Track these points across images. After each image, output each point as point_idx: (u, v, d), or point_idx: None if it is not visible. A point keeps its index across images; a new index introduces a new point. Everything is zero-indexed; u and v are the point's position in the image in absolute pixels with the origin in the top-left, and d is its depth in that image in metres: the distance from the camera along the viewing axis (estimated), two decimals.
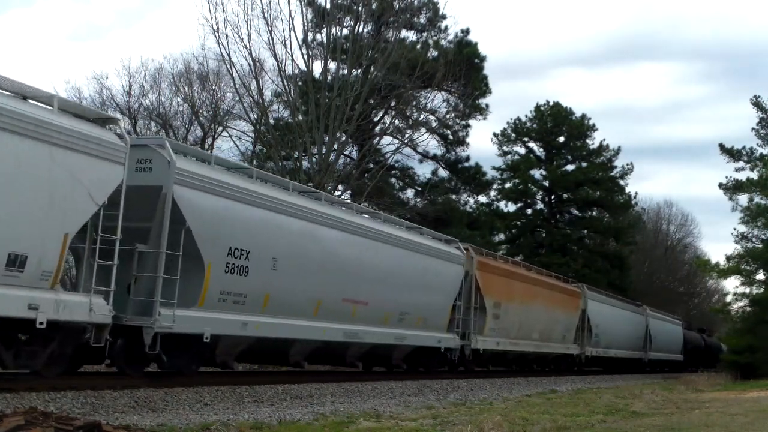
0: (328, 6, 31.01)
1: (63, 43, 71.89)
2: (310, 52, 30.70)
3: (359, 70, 31.52)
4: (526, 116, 52.26)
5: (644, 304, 43.20)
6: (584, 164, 51.91)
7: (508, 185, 50.72)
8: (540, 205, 52.41)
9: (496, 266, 24.16)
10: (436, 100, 36.27)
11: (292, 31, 30.09)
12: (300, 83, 31.74)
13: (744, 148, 36.60)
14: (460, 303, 21.03)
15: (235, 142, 35.72)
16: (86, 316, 10.28)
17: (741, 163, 36.55)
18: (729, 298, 45.01)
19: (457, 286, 20.88)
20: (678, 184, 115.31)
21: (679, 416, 13.98)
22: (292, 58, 33.64)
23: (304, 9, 30.78)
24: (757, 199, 35.13)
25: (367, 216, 18.12)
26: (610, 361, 36.65)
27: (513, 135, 51.98)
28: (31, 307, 9.55)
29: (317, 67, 31.77)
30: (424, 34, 37.04)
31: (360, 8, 31.98)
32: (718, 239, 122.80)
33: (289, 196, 14.54)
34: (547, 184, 51.50)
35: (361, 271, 16.34)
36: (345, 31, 32.77)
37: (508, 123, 52.10)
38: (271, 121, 32.65)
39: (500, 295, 23.58)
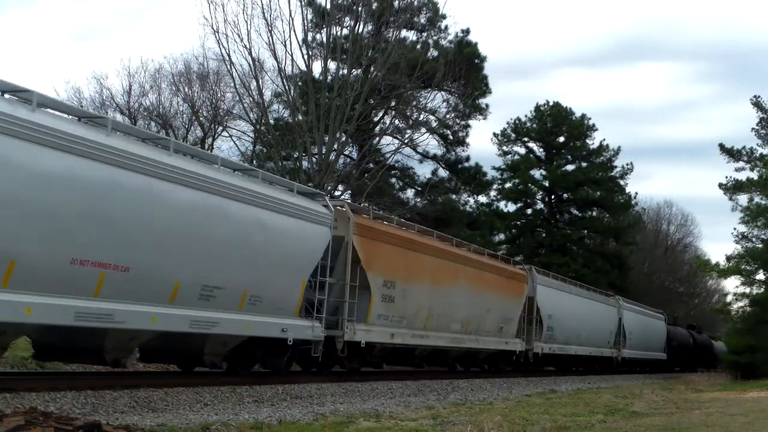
0: (328, 6, 31.02)
1: (63, 43, 71.92)
2: (310, 52, 30.71)
3: (359, 70, 31.52)
4: (526, 116, 52.30)
5: (617, 295, 38.59)
6: (584, 164, 51.91)
7: (508, 185, 50.71)
8: (540, 205, 52.42)
9: (386, 232, 17.99)
10: (436, 100, 36.31)
11: (292, 31, 30.11)
12: (300, 83, 31.73)
13: (744, 148, 36.61)
14: (329, 279, 15.56)
15: (235, 142, 35.78)
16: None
17: (741, 163, 36.55)
18: (729, 298, 44.90)
19: (316, 256, 15.11)
20: (678, 184, 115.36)
21: (679, 416, 13.99)
22: (292, 58, 33.67)
23: (304, 9, 30.81)
24: (757, 199, 35.13)
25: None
26: (572, 360, 31.98)
27: (513, 135, 51.98)
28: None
29: (317, 67, 31.80)
30: (424, 34, 37.06)
31: (360, 8, 31.98)
32: (718, 239, 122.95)
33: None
34: (547, 184, 51.50)
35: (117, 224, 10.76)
36: (345, 31, 32.80)
37: (508, 123, 52.14)
38: (271, 121, 32.66)
39: (394, 272, 17.80)
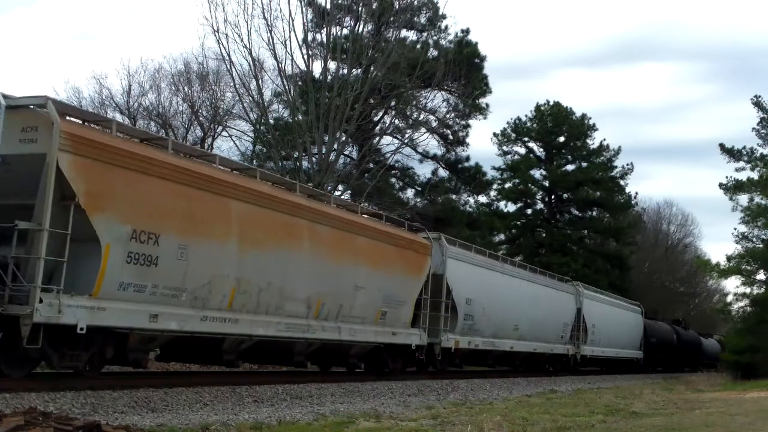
0: (328, 6, 31.00)
1: (63, 43, 71.90)
2: (310, 52, 30.69)
3: (359, 70, 31.50)
4: (526, 116, 52.36)
5: (577, 281, 32.97)
6: (584, 164, 51.95)
7: (508, 185, 50.76)
8: (540, 205, 52.44)
9: (130, 154, 11.22)
10: (436, 99, 36.31)
11: (292, 31, 30.13)
12: (300, 83, 31.71)
13: (744, 148, 36.55)
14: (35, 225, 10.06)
15: (234, 142, 35.75)
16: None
17: (741, 163, 36.50)
18: (729, 298, 44.87)
19: None
20: (678, 184, 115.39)
21: (679, 416, 13.98)
22: (292, 58, 33.66)
23: (304, 9, 30.79)
24: (757, 199, 35.14)
25: None
26: (508, 358, 25.92)
27: (513, 135, 52.01)
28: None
29: (317, 67, 31.79)
30: (424, 34, 37.06)
31: (360, 8, 31.97)
32: (718, 239, 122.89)
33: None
34: (547, 184, 51.51)
35: None
36: (345, 31, 32.78)
37: (508, 123, 52.18)
38: (271, 121, 32.63)
39: (157, 219, 11.59)
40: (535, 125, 51.85)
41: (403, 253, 18.42)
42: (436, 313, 19.84)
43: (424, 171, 53.92)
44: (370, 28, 32.95)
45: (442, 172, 40.02)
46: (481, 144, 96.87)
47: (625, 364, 38.47)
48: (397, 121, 35.16)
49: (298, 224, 14.65)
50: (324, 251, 15.35)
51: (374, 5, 31.99)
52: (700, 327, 59.48)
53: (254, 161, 33.17)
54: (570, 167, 52.15)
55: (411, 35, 36.26)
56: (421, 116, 35.84)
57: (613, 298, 37.82)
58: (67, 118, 10.83)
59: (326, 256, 15.42)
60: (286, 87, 30.47)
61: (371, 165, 33.74)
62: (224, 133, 36.62)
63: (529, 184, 50.61)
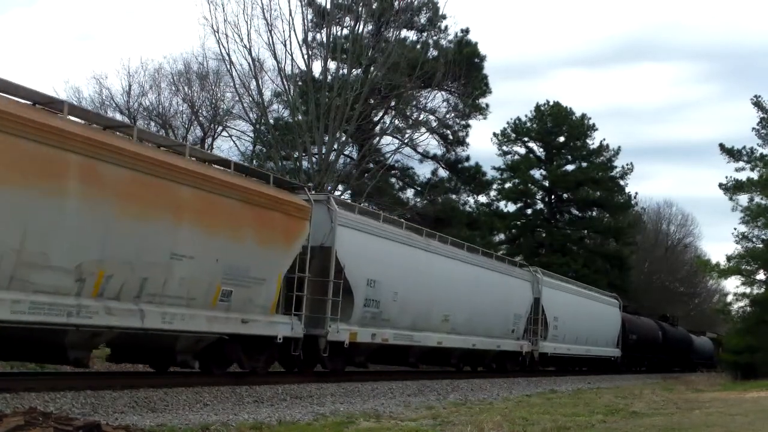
0: (328, 6, 31.00)
1: (63, 43, 71.86)
2: (310, 52, 30.69)
3: (359, 70, 31.49)
4: (526, 116, 52.34)
5: (536, 266, 29.00)
6: (584, 164, 51.95)
7: (508, 185, 50.75)
8: (540, 205, 52.43)
9: None
10: (436, 100, 36.28)
11: (292, 31, 30.15)
12: (300, 83, 31.71)
13: (744, 148, 36.55)
14: None
15: (234, 142, 35.78)
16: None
17: (741, 163, 36.49)
18: (729, 298, 44.83)
19: None
20: (678, 184, 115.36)
21: (679, 416, 13.98)
22: (292, 58, 33.61)
23: (304, 9, 30.79)
24: (757, 199, 35.14)
25: None
26: (434, 354, 20.73)
27: (513, 135, 52.00)
28: None
29: (317, 67, 31.78)
30: (424, 34, 37.03)
31: (360, 8, 31.96)
32: (718, 239, 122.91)
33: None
34: (547, 184, 51.51)
35: None
36: (345, 31, 32.78)
37: (508, 123, 52.16)
38: (271, 121, 32.64)
39: None
40: (535, 125, 51.85)
41: (263, 215, 13.65)
42: (317, 296, 15.47)
43: (424, 171, 53.96)
44: (370, 28, 32.97)
45: (442, 172, 40.03)
46: (481, 144, 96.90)
47: (599, 364, 34.31)
48: (397, 121, 35.17)
49: (63, 159, 10.05)
50: (113, 201, 10.73)
51: (374, 5, 31.99)
52: (700, 326, 58.97)
53: (254, 161, 33.18)
54: (570, 167, 52.16)
55: (411, 35, 36.28)
56: (421, 116, 35.86)
57: (583, 288, 33.35)
58: None
59: (117, 209, 10.79)
60: (286, 87, 30.49)
61: (371, 165, 33.74)
62: (224, 133, 36.69)
63: (529, 184, 50.61)
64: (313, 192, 16.15)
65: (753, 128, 37.20)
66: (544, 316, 26.67)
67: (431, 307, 19.51)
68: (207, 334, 12.75)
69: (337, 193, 30.98)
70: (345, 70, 30.41)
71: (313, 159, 29.77)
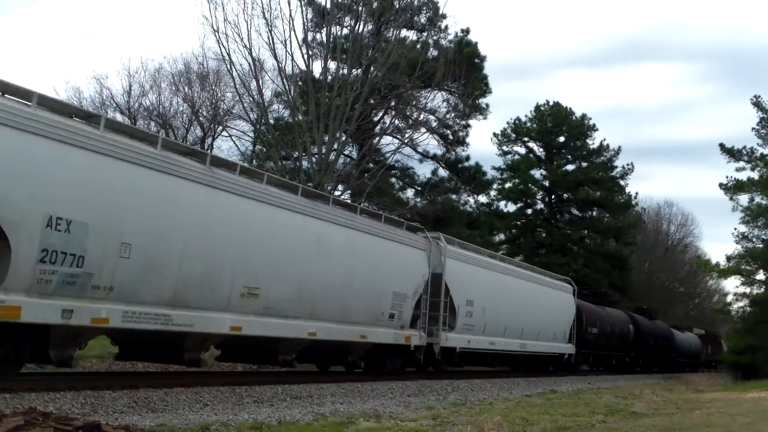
0: (328, 5, 30.99)
1: (64, 44, 71.86)
2: (310, 52, 30.67)
3: (359, 70, 31.48)
4: (526, 116, 52.47)
5: (438, 233, 20.83)
6: (584, 164, 52.00)
7: (508, 185, 50.82)
8: (540, 205, 52.47)
9: None
10: (436, 99, 36.29)
11: (292, 31, 30.02)
12: (300, 83, 31.70)
13: (744, 147, 36.61)
14: None
15: (234, 142, 35.78)
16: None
17: (741, 163, 36.54)
18: (729, 298, 44.83)
19: None
20: (678, 184, 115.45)
21: (679, 416, 13.96)
22: (292, 58, 33.60)
23: (304, 8, 30.76)
24: (757, 199, 35.16)
25: None
26: (263, 347, 14.71)
27: (513, 135, 52.08)
28: None
29: (317, 67, 31.78)
30: (424, 34, 37.05)
31: (360, 8, 31.95)
32: (718, 239, 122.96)
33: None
34: (547, 184, 51.54)
35: None
36: (345, 31, 32.77)
37: (508, 123, 52.25)
38: (271, 121, 32.63)
39: None
40: (535, 125, 51.90)
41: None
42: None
43: (424, 171, 54.05)
44: (370, 27, 32.96)
45: (442, 172, 40.07)
46: (481, 144, 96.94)
47: (545, 363, 28.54)
48: (397, 121, 35.18)
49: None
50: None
51: (374, 5, 31.99)
52: (699, 326, 58.39)
53: (254, 161, 33.18)
54: (570, 167, 52.22)
55: (411, 35, 36.31)
56: (421, 116, 35.86)
57: (516, 265, 27.03)
58: None
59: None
60: (286, 87, 30.46)
61: (371, 165, 33.74)
62: (224, 133, 36.70)
63: (529, 184, 50.66)
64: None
65: (753, 128, 37.26)
66: (450, 298, 19.82)
67: (215, 274, 12.62)
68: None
69: (337, 193, 30.99)
70: (345, 70, 30.40)
71: (313, 159, 29.76)
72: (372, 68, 31.09)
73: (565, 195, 52.05)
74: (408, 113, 35.26)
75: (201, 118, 36.38)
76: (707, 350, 51.96)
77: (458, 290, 20.38)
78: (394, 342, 18.07)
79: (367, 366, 18.23)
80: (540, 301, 26.65)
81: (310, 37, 31.21)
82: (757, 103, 36.74)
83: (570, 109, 52.04)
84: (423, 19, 36.87)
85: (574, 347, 29.58)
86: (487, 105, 38.84)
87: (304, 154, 29.82)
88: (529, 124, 52.02)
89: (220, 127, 36.61)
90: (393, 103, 33.17)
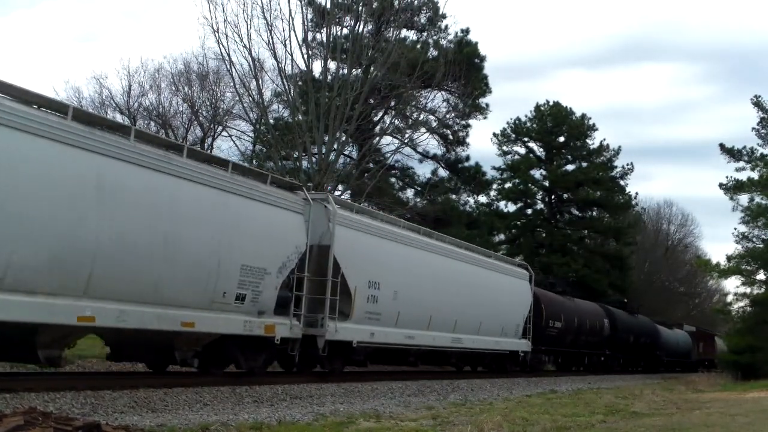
0: (328, 5, 30.98)
1: (64, 44, 71.86)
2: (310, 52, 30.65)
3: (359, 70, 31.47)
4: (526, 116, 52.45)
5: (325, 192, 18.45)
6: (584, 164, 52.01)
7: (508, 185, 50.81)
8: (540, 205, 52.47)
9: None
10: (436, 99, 36.30)
11: (292, 31, 30.04)
12: (300, 83, 31.68)
13: (744, 147, 36.61)
14: None
15: (234, 142, 35.78)
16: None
17: (741, 163, 36.55)
18: (730, 298, 44.79)
19: None
20: (678, 184, 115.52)
21: (679, 416, 13.96)
22: (292, 58, 33.56)
23: (304, 8, 30.75)
24: (757, 199, 35.17)
25: None
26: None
27: (513, 135, 52.08)
28: None
29: (317, 67, 31.76)
30: (424, 34, 37.06)
31: (360, 8, 31.94)
32: (718, 239, 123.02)
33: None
34: (547, 184, 51.54)
35: None
36: (345, 31, 32.76)
37: (508, 123, 52.25)
38: (271, 121, 32.62)
39: None
40: (535, 125, 51.90)
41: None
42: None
43: (424, 171, 54.05)
44: (370, 27, 32.96)
45: (442, 172, 40.07)
46: (481, 144, 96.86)
47: (493, 361, 24.06)
48: (397, 121, 35.18)
49: None
50: None
51: (374, 5, 31.98)
52: (701, 326, 57.87)
53: (254, 161, 33.17)
54: (570, 167, 52.23)
55: (411, 35, 36.32)
56: (421, 116, 35.86)
57: (446, 241, 20.83)
58: None
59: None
60: (286, 87, 30.44)
61: (371, 165, 33.72)
62: (224, 133, 36.70)
63: (529, 184, 50.66)
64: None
65: (753, 128, 37.25)
66: (342, 278, 15.49)
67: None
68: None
69: (337, 193, 30.98)
70: (345, 70, 30.39)
71: (313, 159, 29.76)
72: (372, 68, 31.09)
73: (565, 195, 52.05)
74: (408, 113, 35.27)
75: (201, 118, 36.40)
76: (699, 349, 50.54)
77: (354, 268, 15.77)
78: (245, 333, 13.37)
79: (206, 364, 13.70)
80: (482, 288, 21.82)
81: (310, 37, 31.22)
82: (757, 103, 36.74)
83: (570, 109, 52.11)
84: (423, 19, 36.90)
85: (530, 343, 25.02)
86: (487, 105, 38.91)
87: (304, 154, 29.81)
88: (529, 124, 52.03)
89: (220, 127, 36.64)
90: (393, 103, 33.16)
